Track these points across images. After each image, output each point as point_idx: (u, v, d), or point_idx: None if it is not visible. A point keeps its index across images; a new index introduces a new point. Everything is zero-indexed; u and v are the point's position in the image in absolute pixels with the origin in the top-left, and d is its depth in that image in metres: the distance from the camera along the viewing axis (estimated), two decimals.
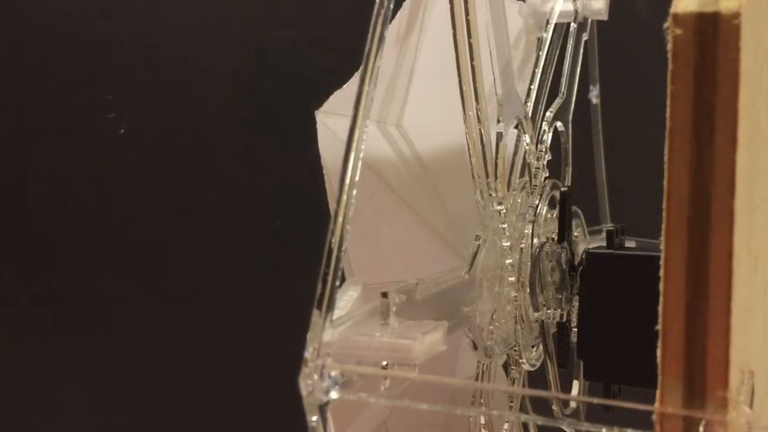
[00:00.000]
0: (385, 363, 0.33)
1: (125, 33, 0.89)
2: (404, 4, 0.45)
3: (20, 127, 0.91)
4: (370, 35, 0.35)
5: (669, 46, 0.29)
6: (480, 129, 0.43)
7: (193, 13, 0.89)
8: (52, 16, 0.90)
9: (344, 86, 0.45)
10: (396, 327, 0.34)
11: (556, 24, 0.51)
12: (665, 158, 0.29)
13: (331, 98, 0.46)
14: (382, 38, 0.35)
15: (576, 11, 0.52)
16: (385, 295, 0.34)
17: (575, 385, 0.51)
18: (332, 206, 0.47)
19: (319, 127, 0.46)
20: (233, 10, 0.89)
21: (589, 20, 0.54)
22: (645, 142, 0.51)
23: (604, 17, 0.54)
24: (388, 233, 0.47)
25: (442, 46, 0.45)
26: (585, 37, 0.53)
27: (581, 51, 0.53)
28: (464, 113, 0.42)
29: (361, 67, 0.34)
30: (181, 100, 0.90)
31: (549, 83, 0.49)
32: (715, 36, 0.29)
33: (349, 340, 0.32)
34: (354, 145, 0.33)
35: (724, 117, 0.29)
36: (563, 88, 0.51)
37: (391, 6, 0.35)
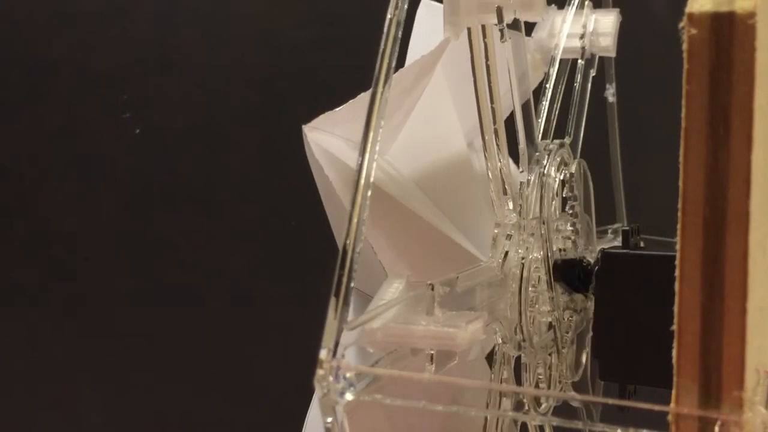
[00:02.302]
0: (431, 351, 0.35)
1: (140, 33, 0.90)
2: (425, 56, 0.45)
3: (35, 127, 0.91)
4: (384, 36, 0.35)
5: (684, 46, 0.29)
6: (497, 148, 0.44)
7: (207, 13, 0.89)
8: (67, 17, 0.90)
9: (336, 109, 0.46)
10: (440, 317, 0.36)
11: (564, 60, 0.51)
12: (681, 158, 0.29)
13: (321, 116, 0.46)
14: (396, 39, 0.35)
15: (583, 48, 0.51)
16: (431, 286, 0.36)
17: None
18: (330, 217, 0.48)
19: (305, 141, 0.47)
20: (248, 11, 0.89)
21: (597, 56, 0.53)
22: (660, 141, 0.51)
23: (612, 54, 0.53)
24: (390, 235, 0.47)
25: (450, 90, 0.48)
26: (593, 73, 0.53)
27: (588, 88, 0.53)
28: (484, 144, 0.44)
29: (376, 69, 0.34)
30: (195, 100, 0.90)
31: (555, 120, 0.49)
32: (730, 36, 0.28)
33: (396, 329, 0.34)
34: (369, 146, 0.33)
35: (740, 117, 0.29)
36: (570, 128, 0.50)
37: (405, 7, 0.35)
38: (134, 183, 0.91)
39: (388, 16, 0.35)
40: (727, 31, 0.29)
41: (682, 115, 0.29)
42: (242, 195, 0.90)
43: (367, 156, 0.33)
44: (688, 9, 0.29)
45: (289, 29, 0.89)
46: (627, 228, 0.47)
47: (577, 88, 0.51)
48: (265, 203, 0.90)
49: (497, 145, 0.44)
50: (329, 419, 0.31)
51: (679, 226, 0.30)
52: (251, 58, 0.89)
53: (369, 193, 0.33)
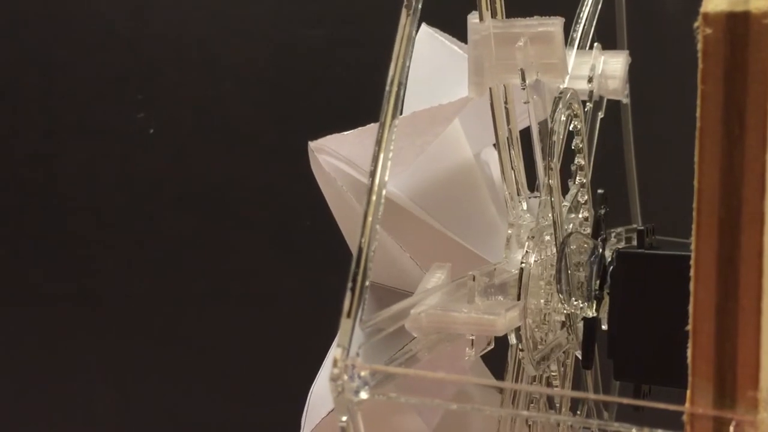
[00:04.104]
0: (471, 336, 0.38)
1: (154, 33, 0.90)
2: (443, 105, 0.45)
3: (50, 127, 0.92)
4: (398, 36, 0.35)
5: (699, 46, 0.29)
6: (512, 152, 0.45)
7: (221, 13, 0.89)
8: (81, 17, 0.90)
9: (344, 132, 0.47)
10: (480, 305, 0.38)
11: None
12: (695, 158, 0.29)
13: (329, 137, 0.47)
14: (410, 38, 0.35)
15: (591, 91, 0.51)
16: (473, 277, 0.39)
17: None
18: (341, 225, 0.48)
19: (311, 156, 0.48)
20: (261, 10, 0.89)
21: (605, 99, 0.53)
22: (675, 141, 0.51)
23: (621, 97, 0.53)
24: (398, 238, 0.47)
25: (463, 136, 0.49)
26: (600, 115, 0.53)
27: (597, 131, 0.53)
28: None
29: (390, 68, 0.34)
30: (209, 99, 0.90)
31: (561, 160, 0.49)
32: (745, 35, 0.28)
33: (439, 315, 0.37)
34: (384, 144, 0.33)
35: (755, 116, 0.28)
36: (576, 176, 0.50)
37: (419, 6, 0.35)
38: (148, 182, 0.91)
39: (403, 14, 0.35)
40: (742, 31, 0.28)
41: (697, 114, 0.29)
42: (256, 195, 0.90)
43: (382, 155, 0.33)
44: (702, 9, 0.29)
45: (303, 29, 0.89)
46: (642, 228, 0.47)
47: (584, 131, 0.51)
48: (279, 203, 0.90)
49: (511, 146, 0.45)
50: (344, 418, 0.31)
51: (694, 225, 0.30)
52: (265, 58, 0.89)
53: (384, 192, 0.33)
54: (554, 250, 0.45)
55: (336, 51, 0.88)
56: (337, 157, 0.47)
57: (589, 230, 0.48)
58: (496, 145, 0.45)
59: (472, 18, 0.43)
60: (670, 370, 0.34)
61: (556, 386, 0.48)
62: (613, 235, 0.52)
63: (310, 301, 0.86)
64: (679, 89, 0.47)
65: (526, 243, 0.44)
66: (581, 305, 0.45)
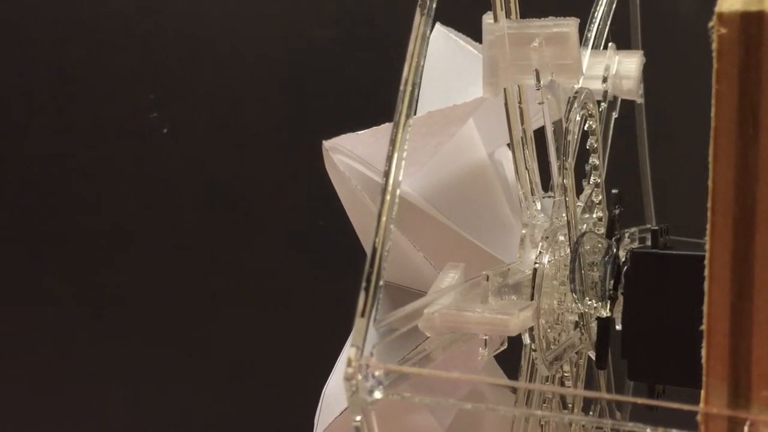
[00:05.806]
0: (485, 336, 0.39)
1: (167, 32, 0.90)
2: (458, 106, 0.45)
3: (62, 127, 0.92)
4: (413, 36, 0.35)
5: (714, 45, 0.29)
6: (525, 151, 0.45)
7: (234, 12, 0.89)
8: (94, 16, 0.90)
9: (358, 132, 0.47)
10: (494, 305, 0.39)
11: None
12: (710, 158, 0.29)
13: (342, 136, 0.47)
14: (424, 38, 0.35)
15: (605, 91, 0.51)
16: (487, 277, 0.39)
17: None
18: (355, 224, 0.48)
19: (325, 156, 0.48)
20: (275, 10, 0.89)
21: (619, 99, 0.53)
22: (690, 141, 0.51)
23: (635, 97, 0.53)
24: (411, 238, 0.47)
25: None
26: (615, 116, 0.53)
27: (611, 131, 0.53)
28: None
29: (404, 68, 0.34)
30: (222, 99, 0.90)
31: (575, 160, 0.49)
32: (760, 35, 0.28)
33: (453, 315, 0.37)
34: (398, 144, 0.33)
35: None
36: (590, 176, 0.49)
37: (434, 6, 0.35)
38: (161, 182, 0.91)
39: (417, 14, 0.35)
40: (757, 31, 0.28)
41: (712, 114, 0.29)
42: (269, 194, 0.90)
43: (396, 155, 0.33)
44: (717, 8, 0.29)
45: (317, 28, 0.89)
46: (656, 228, 0.47)
47: (599, 131, 0.51)
48: (293, 203, 0.90)
49: (525, 146, 0.45)
50: (358, 417, 0.31)
51: (708, 225, 0.30)
52: (278, 58, 0.89)
53: (398, 191, 0.33)
54: (568, 251, 0.45)
55: (350, 51, 0.88)
56: (351, 156, 0.47)
57: (603, 230, 0.48)
58: (510, 145, 0.46)
59: (487, 18, 0.43)
60: (685, 370, 0.34)
61: (569, 386, 0.48)
62: (627, 235, 0.52)
63: (324, 300, 0.86)
64: (694, 89, 0.47)
65: (540, 243, 0.44)
66: (595, 305, 0.45)
